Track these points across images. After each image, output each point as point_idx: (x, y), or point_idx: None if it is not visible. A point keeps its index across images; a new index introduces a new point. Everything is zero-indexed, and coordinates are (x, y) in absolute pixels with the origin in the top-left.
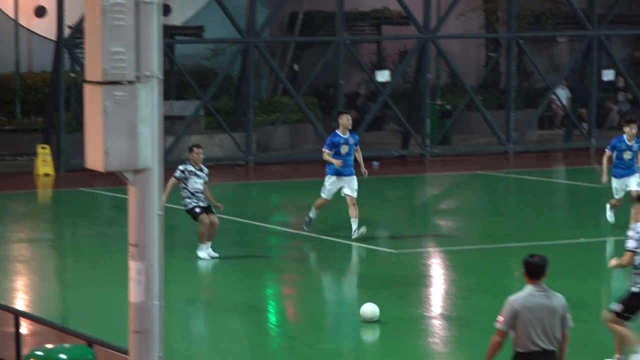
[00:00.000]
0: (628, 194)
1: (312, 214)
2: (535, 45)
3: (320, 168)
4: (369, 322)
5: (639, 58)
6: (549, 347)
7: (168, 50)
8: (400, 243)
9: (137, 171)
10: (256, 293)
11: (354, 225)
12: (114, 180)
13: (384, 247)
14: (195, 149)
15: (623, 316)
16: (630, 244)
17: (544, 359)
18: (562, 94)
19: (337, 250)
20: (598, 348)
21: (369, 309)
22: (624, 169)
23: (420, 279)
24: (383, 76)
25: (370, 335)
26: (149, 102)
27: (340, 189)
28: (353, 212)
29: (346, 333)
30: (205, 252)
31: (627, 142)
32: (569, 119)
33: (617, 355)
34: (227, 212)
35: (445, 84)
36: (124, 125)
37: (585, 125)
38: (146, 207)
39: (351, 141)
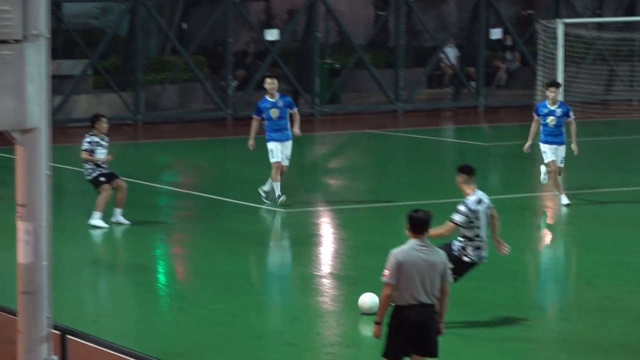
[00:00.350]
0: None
1: (267, 187)
2: (423, 4)
3: (209, 127)
4: (367, 314)
5: (527, 16)
6: (426, 301)
7: (55, 9)
8: (290, 202)
9: (24, 131)
10: (145, 253)
11: (266, 186)
12: (2, 139)
13: (273, 206)
14: (102, 119)
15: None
16: (458, 218)
17: (420, 312)
18: (451, 52)
19: (227, 210)
20: (485, 305)
21: (368, 300)
22: (553, 136)
23: (310, 238)
24: (272, 35)
25: (260, 294)
26: (37, 61)
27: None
28: (278, 176)
29: (236, 292)
30: (99, 220)
31: (548, 106)
32: (457, 78)
33: None
34: (116, 172)
35: (334, 42)
36: (11, 85)
37: (473, 83)
38: (34, 167)
39: (281, 104)
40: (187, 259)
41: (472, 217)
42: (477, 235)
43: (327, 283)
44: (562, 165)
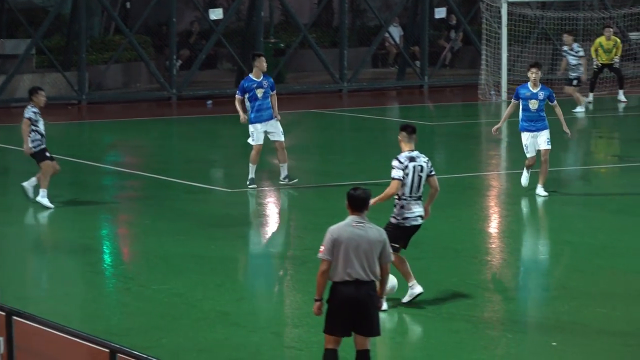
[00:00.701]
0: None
1: (251, 173)
2: None
3: (153, 107)
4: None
5: None
6: (363, 278)
7: None
8: (236, 182)
9: None
10: (91, 234)
11: (283, 172)
12: None
13: (219, 186)
14: (40, 92)
15: (395, 248)
16: (394, 173)
17: (356, 289)
18: (395, 32)
19: (173, 190)
20: (432, 285)
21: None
22: (534, 122)
23: (256, 218)
24: (216, 14)
25: (206, 275)
26: None
27: (266, 135)
28: (281, 156)
29: (182, 273)
30: (46, 199)
31: (530, 89)
32: (402, 57)
33: (410, 282)
34: (59, 152)
35: (279, 22)
36: None
37: (418, 63)
38: None
39: (265, 84)
40: (133, 240)
41: (404, 173)
42: (403, 194)
43: (273, 263)
44: (549, 146)
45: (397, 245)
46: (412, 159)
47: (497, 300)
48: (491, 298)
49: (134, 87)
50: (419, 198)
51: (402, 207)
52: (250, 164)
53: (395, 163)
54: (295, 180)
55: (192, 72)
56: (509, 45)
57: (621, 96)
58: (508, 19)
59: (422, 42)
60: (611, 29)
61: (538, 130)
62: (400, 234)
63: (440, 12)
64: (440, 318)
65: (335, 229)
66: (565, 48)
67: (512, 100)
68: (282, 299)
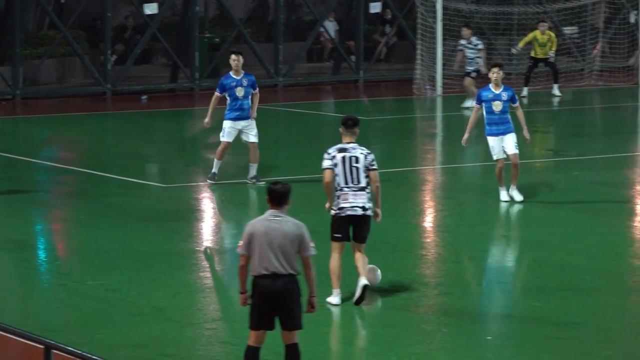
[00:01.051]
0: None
1: (214, 168)
2: None
3: (88, 102)
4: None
5: None
6: (280, 271)
7: None
8: (170, 177)
9: None
10: (24, 229)
11: (252, 172)
12: None
13: (153, 181)
14: None
15: (336, 238)
16: (323, 164)
17: (272, 282)
18: (330, 26)
19: (107, 186)
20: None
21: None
22: (498, 125)
23: (191, 213)
24: (151, 9)
25: (141, 271)
26: None
27: (239, 134)
28: (252, 157)
29: (117, 268)
30: None
31: (492, 90)
32: (337, 52)
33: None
34: None
35: (214, 16)
36: None
37: (353, 57)
38: None
39: (245, 82)
40: (68, 235)
41: (332, 163)
42: (339, 184)
43: (208, 258)
44: (517, 151)
45: (337, 236)
46: (342, 150)
47: (433, 295)
48: (426, 292)
49: (69, 82)
50: (360, 189)
51: (338, 197)
52: (215, 159)
53: (325, 155)
54: (262, 183)
55: (126, 67)
56: (444, 39)
57: (555, 90)
58: (443, 14)
59: (357, 36)
60: (546, 24)
61: (503, 133)
62: (338, 224)
63: (375, 7)
64: (376, 312)
65: (251, 224)
66: (463, 42)
67: (475, 104)
68: (217, 294)
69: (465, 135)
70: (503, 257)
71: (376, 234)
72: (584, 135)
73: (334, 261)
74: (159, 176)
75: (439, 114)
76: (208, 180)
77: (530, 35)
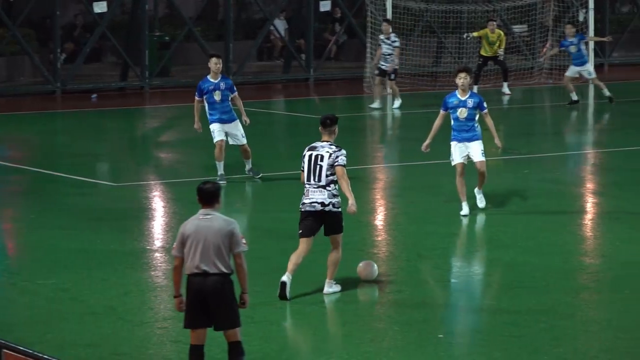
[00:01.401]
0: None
1: (219, 170)
2: None
3: (37, 101)
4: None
5: None
6: (211, 270)
7: None
8: (121, 176)
9: None
10: None
11: (248, 165)
12: None
13: (104, 180)
14: None
15: (299, 234)
16: (302, 164)
17: (202, 281)
18: (280, 25)
19: (58, 185)
20: (321, 278)
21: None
22: (464, 132)
23: (142, 212)
24: (100, 7)
25: (92, 269)
26: None
27: (227, 135)
28: (245, 155)
29: (68, 267)
30: None
31: (459, 96)
32: (287, 50)
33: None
34: None
35: (164, 14)
36: None
37: (303, 56)
38: None
39: (223, 86)
40: (18, 234)
41: (302, 161)
42: (304, 181)
43: (159, 257)
44: (483, 158)
45: (299, 232)
46: (312, 148)
47: (384, 293)
48: (379, 291)
49: (18, 80)
50: (321, 187)
51: (303, 193)
52: (216, 162)
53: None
54: (259, 176)
55: (76, 65)
56: None
57: (505, 89)
58: (392, 12)
59: (307, 35)
60: (495, 22)
61: (469, 140)
62: (300, 220)
63: (325, 5)
64: (328, 310)
65: (184, 225)
66: (382, 37)
67: (440, 110)
68: (168, 292)
69: (426, 141)
70: (454, 255)
71: None
72: (533, 134)
73: (294, 253)
74: (110, 175)
75: (389, 112)
76: (219, 182)
77: (482, 32)
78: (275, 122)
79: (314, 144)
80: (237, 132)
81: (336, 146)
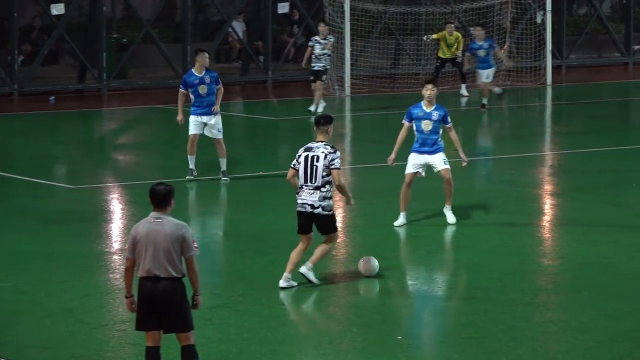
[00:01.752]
0: (432, 173)
1: (190, 164)
2: None
3: (2, 102)
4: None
5: None
6: (162, 274)
7: None
8: (79, 178)
9: None
10: None
11: (222, 166)
12: None
13: (62, 182)
14: None
15: (297, 231)
16: (294, 161)
17: (153, 284)
18: (238, 26)
19: (15, 187)
20: (278, 280)
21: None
22: (428, 147)
23: (100, 215)
24: (58, 9)
25: (50, 272)
26: None
27: (204, 129)
28: (220, 152)
29: (25, 270)
30: None
31: (424, 108)
32: (245, 52)
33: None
34: None
35: (121, 16)
36: None
37: (261, 58)
38: None
39: (207, 80)
40: None
41: (297, 162)
42: (299, 181)
43: (117, 260)
44: (447, 165)
45: (297, 229)
46: (308, 149)
47: (343, 295)
48: (337, 292)
49: None
50: (315, 188)
51: (297, 193)
52: (188, 155)
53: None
54: (227, 179)
55: (34, 67)
56: (352, 40)
57: (463, 90)
58: (351, 14)
59: (266, 37)
60: (453, 24)
61: (430, 153)
62: (297, 218)
63: (283, 7)
64: (287, 312)
65: (135, 227)
66: (317, 38)
67: (404, 122)
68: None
69: (392, 155)
70: (412, 257)
71: (287, 235)
72: (491, 135)
73: (294, 250)
74: (67, 177)
75: (347, 114)
76: (187, 177)
77: (440, 34)
78: (234, 124)
79: (309, 145)
80: (216, 126)
81: (331, 147)
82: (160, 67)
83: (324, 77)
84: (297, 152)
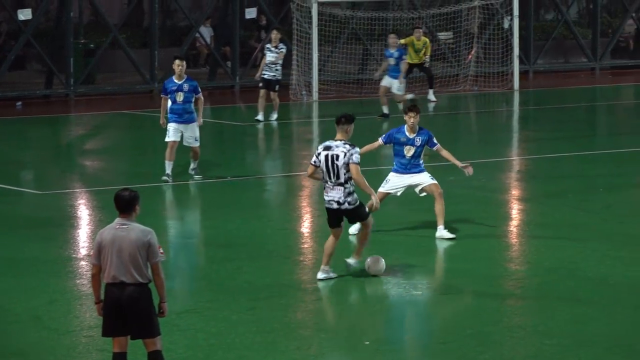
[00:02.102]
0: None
1: (167, 169)
2: None
3: None
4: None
5: None
6: (128, 280)
7: None
8: (46, 184)
9: None
10: None
11: (193, 164)
12: None
13: (29, 188)
14: None
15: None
16: (313, 158)
17: (119, 291)
18: (206, 32)
19: None
20: (245, 286)
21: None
22: (407, 169)
23: (67, 220)
24: (25, 14)
25: (17, 278)
26: None
27: (182, 136)
28: (194, 156)
29: None
30: None
31: (407, 134)
32: (213, 58)
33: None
34: None
35: (89, 22)
36: None
37: (229, 63)
38: None
39: (186, 87)
40: None
41: (316, 159)
42: (323, 178)
43: (84, 265)
44: (434, 181)
45: (328, 224)
46: (327, 148)
47: (310, 300)
48: (304, 298)
49: None
50: (339, 184)
51: (323, 189)
52: (166, 161)
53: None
54: (199, 177)
55: (1, 73)
56: (320, 45)
57: (431, 96)
58: (318, 19)
59: (233, 42)
60: (420, 30)
61: (414, 173)
62: (328, 214)
63: (250, 13)
64: (254, 318)
65: (100, 232)
66: (269, 45)
67: (380, 139)
68: (93, 301)
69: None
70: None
71: (253, 240)
72: (459, 141)
73: (327, 241)
74: (35, 183)
75: (315, 119)
76: (163, 179)
77: (408, 40)
78: (201, 130)
79: (328, 143)
80: (193, 135)
81: (350, 144)
82: (127, 73)
83: (277, 87)
84: (317, 150)
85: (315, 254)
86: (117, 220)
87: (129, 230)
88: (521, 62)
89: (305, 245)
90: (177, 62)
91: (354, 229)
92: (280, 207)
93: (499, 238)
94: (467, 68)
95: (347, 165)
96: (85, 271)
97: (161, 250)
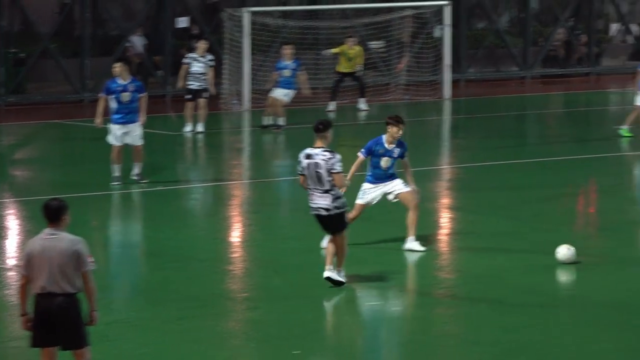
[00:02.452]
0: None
1: (116, 172)
2: None
3: None
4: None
5: (213, 5)
6: (55, 290)
7: None
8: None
9: None
10: None
11: (136, 169)
12: None
13: None
14: None
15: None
16: (298, 168)
17: (47, 301)
18: (138, 41)
19: None
20: (174, 296)
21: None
22: (382, 179)
23: None
24: None
25: None
26: None
27: (125, 136)
28: (136, 158)
29: None
30: None
31: (386, 145)
32: (144, 67)
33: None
34: None
35: (19, 30)
36: None
37: (160, 72)
38: None
39: (131, 88)
40: None
41: (301, 168)
42: (308, 185)
43: (12, 276)
44: (409, 188)
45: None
46: (308, 156)
47: (241, 310)
48: (234, 307)
49: None
50: (325, 191)
51: (308, 196)
52: (114, 165)
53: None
54: (145, 181)
55: None
56: (252, 54)
57: (362, 105)
58: (250, 28)
59: (165, 51)
60: (353, 39)
61: (387, 181)
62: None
63: (182, 22)
64: (183, 329)
65: (28, 243)
66: (194, 55)
67: (360, 154)
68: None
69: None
70: (310, 271)
71: (183, 249)
72: None
73: (328, 245)
74: None
75: (246, 128)
76: (115, 184)
77: (340, 48)
78: None
79: (308, 151)
80: (137, 133)
81: (330, 152)
82: (58, 82)
83: (205, 94)
84: (299, 158)
85: (246, 263)
86: (46, 230)
87: (58, 240)
88: (452, 70)
89: (236, 255)
90: (116, 65)
91: (326, 242)
92: (211, 216)
93: (428, 246)
94: (398, 77)
95: (329, 172)
96: (13, 282)
97: (91, 259)
